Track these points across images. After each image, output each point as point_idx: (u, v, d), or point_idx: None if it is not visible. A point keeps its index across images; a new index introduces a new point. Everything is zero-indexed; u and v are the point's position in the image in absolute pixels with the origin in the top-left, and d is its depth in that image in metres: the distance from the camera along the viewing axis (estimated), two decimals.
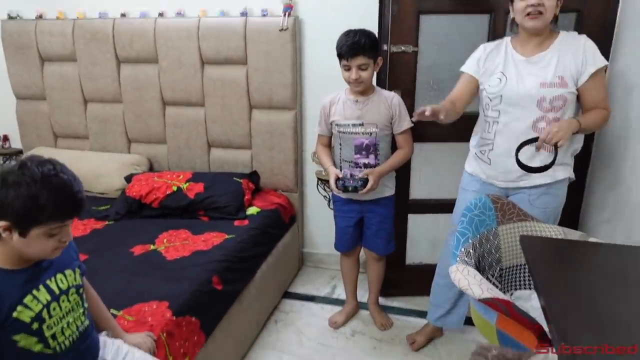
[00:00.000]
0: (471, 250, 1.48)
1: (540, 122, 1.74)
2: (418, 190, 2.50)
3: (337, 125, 2.10)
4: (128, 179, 2.72)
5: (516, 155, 1.68)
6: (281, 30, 2.52)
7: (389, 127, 2.09)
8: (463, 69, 1.94)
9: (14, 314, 1.08)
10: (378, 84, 2.27)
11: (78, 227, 2.37)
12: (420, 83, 2.29)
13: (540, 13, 1.67)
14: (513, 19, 1.80)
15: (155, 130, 2.94)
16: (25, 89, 3.11)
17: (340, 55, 2.00)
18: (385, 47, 2.23)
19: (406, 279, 2.61)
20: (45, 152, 2.97)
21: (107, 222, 2.45)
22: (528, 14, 1.69)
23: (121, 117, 2.97)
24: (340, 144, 2.14)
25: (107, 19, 2.86)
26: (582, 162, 2.24)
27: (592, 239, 1.56)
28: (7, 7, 3.05)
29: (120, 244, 2.17)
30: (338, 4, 2.52)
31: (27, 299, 1.10)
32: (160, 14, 2.79)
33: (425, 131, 2.24)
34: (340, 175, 2.04)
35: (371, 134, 2.05)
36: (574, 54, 1.71)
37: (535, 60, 1.76)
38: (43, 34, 2.96)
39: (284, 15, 2.52)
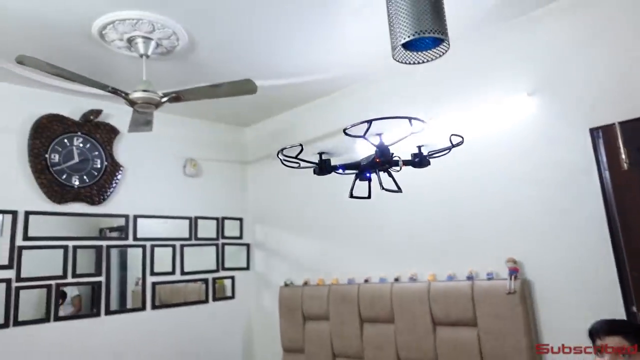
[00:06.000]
0: None
1: None
2: None
3: None
4: None
5: None
6: (508, 293, 2.54)
7: None
8: None
9: None
10: None
11: None
12: None
13: None
14: None
15: None
16: (291, 342, 3.75)
17: (592, 335, 1.75)
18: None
19: None
20: None
21: None
22: None
23: None
24: None
25: (353, 284, 3.40)
26: None
27: None
28: (285, 277, 3.98)
29: None
30: (568, 263, 2.45)
31: None
32: (396, 279, 3.19)
33: None
34: None
35: None
36: None
37: None
38: (306, 297, 3.68)
39: (510, 278, 2.56)
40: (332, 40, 2.87)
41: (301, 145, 2.02)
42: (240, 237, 4.39)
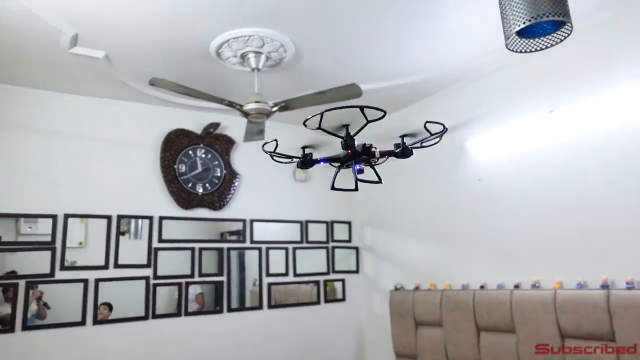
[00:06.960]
0: None
1: None
2: None
3: None
4: None
5: None
6: None
7: None
8: None
9: None
10: None
11: None
12: None
13: None
14: None
15: None
16: (403, 348, 3.68)
17: None
18: None
19: None
20: None
21: None
22: None
23: None
24: None
25: (468, 290, 3.24)
26: None
27: None
28: (395, 280, 3.92)
29: None
30: None
31: None
32: (516, 286, 2.96)
33: None
34: None
35: None
36: None
37: None
38: (417, 302, 3.58)
39: None
40: (437, 37, 2.77)
41: (276, 140, 2.16)
42: (349, 241, 4.44)
